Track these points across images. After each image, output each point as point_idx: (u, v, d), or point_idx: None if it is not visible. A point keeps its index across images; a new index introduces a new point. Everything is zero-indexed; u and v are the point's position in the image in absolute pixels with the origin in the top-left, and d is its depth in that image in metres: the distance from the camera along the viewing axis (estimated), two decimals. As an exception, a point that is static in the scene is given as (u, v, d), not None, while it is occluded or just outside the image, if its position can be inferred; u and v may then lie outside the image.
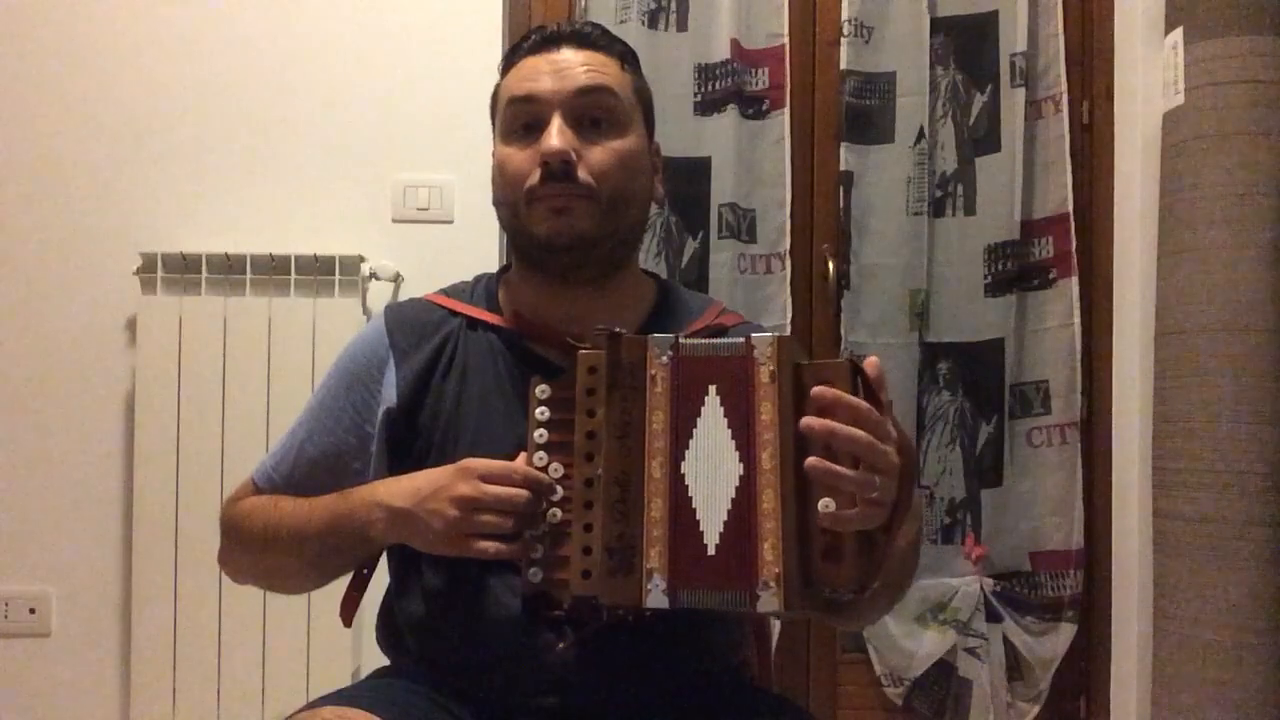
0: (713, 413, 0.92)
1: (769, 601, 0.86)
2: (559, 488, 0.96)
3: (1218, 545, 1.85)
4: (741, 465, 0.90)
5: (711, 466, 0.91)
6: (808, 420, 0.86)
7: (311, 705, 0.98)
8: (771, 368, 0.90)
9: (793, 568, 0.87)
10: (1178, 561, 1.91)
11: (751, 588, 0.87)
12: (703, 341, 0.96)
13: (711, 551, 0.90)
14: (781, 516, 0.87)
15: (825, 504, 0.86)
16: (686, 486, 0.91)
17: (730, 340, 0.94)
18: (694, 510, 0.91)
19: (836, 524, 0.86)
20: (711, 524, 0.90)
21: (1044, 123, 2.27)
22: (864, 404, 0.86)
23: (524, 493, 0.95)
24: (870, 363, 0.89)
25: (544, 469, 0.97)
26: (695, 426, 0.92)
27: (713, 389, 0.92)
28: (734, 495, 0.90)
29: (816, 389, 0.87)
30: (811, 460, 0.85)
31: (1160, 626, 1.96)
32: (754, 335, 0.92)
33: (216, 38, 2.23)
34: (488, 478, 0.95)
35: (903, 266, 2.25)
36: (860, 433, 0.85)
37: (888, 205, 2.26)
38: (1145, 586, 2.05)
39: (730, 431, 0.91)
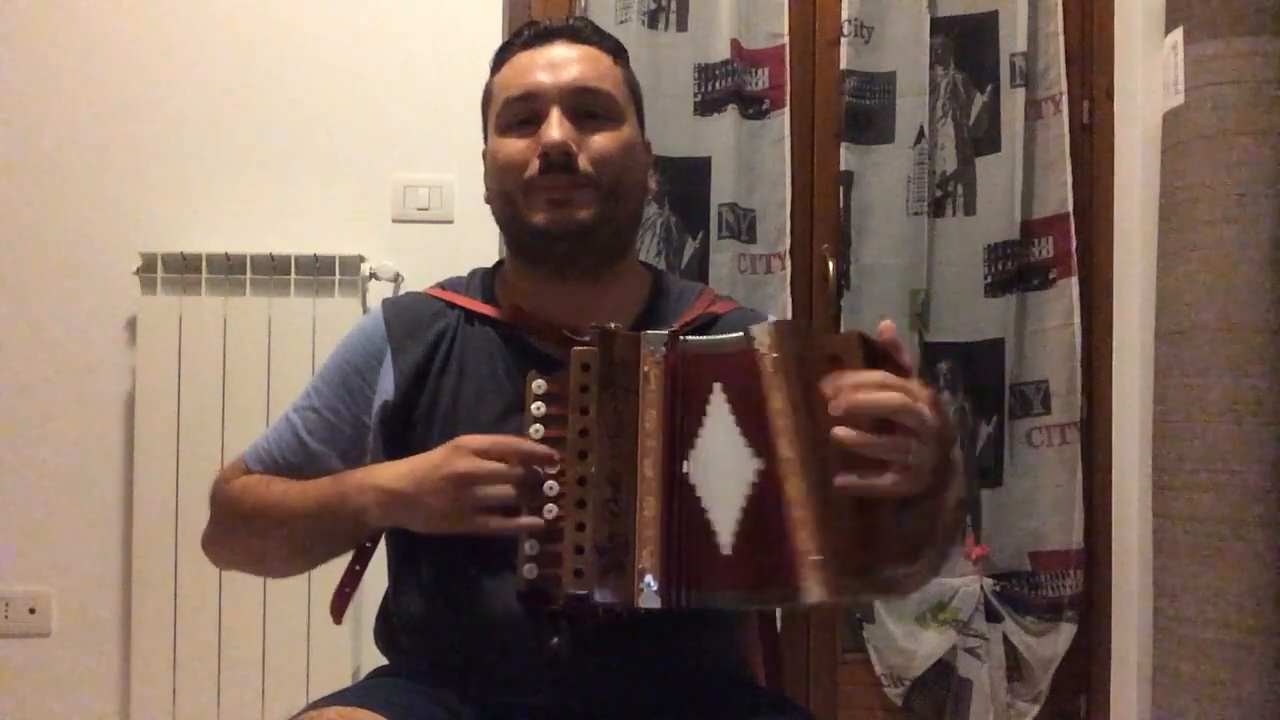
0: (719, 411, 0.91)
1: (814, 591, 0.83)
2: (555, 484, 0.94)
3: (1218, 545, 1.85)
4: (759, 460, 0.88)
5: (722, 466, 0.90)
6: (835, 404, 0.82)
7: (315, 705, 0.98)
8: (775, 355, 0.88)
9: (832, 552, 0.83)
10: (1178, 561, 1.91)
11: (795, 580, 0.84)
12: (701, 339, 0.95)
13: (727, 552, 0.88)
14: (812, 503, 0.84)
15: (843, 477, 0.82)
16: (692, 487, 0.90)
17: (728, 336, 0.93)
18: (704, 511, 0.90)
19: (867, 492, 0.82)
20: (725, 525, 0.89)
21: (1044, 123, 2.26)
22: (880, 373, 0.83)
23: (517, 469, 0.94)
24: (885, 327, 0.87)
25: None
26: (702, 427, 0.91)
27: (717, 387, 0.91)
28: (749, 492, 0.88)
29: (835, 375, 0.83)
30: (837, 430, 0.81)
31: (1160, 626, 1.96)
32: (753, 326, 0.90)
33: (216, 38, 2.23)
34: (482, 452, 0.95)
35: (903, 266, 2.25)
36: (886, 395, 0.82)
37: (888, 205, 2.26)
38: (1145, 586, 2.04)
39: (740, 429, 0.90)
